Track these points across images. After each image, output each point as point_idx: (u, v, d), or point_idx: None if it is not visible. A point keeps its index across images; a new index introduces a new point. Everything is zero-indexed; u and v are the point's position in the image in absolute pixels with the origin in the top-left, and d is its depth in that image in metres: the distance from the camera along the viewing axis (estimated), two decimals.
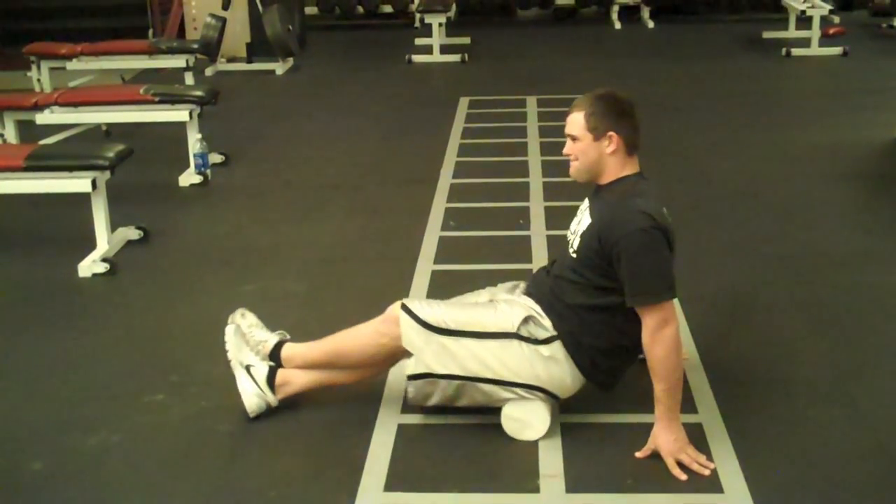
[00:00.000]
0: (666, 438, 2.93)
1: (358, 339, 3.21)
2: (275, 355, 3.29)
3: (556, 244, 4.53)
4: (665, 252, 2.97)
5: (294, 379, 3.27)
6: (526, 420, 3.09)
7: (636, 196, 3.02)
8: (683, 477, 2.88)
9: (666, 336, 2.91)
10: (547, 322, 3.09)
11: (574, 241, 3.10)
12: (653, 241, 2.94)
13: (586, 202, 3.19)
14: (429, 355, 3.05)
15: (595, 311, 3.05)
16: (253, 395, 3.22)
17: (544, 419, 3.09)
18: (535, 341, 3.06)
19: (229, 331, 3.32)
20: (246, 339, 3.32)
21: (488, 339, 3.06)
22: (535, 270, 3.48)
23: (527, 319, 3.07)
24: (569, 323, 3.07)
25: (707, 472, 2.89)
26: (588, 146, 3.07)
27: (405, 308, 3.10)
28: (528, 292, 3.25)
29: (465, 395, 3.10)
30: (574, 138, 3.10)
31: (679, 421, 2.96)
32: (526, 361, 3.05)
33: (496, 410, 3.11)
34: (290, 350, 3.29)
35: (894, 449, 3.05)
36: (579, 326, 3.06)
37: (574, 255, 3.08)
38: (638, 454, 2.96)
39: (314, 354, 3.27)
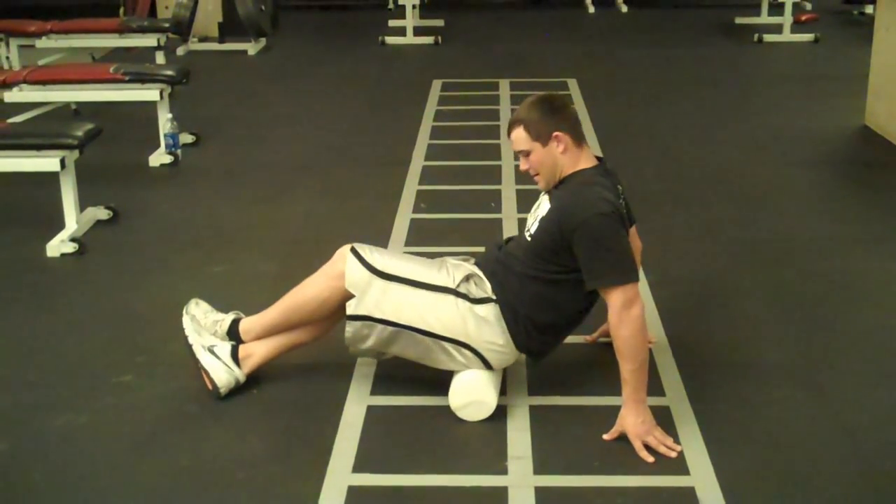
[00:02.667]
0: (633, 421, 2.95)
1: (310, 287, 3.27)
2: (233, 332, 3.33)
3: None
4: (626, 236, 3.05)
5: (256, 349, 3.30)
6: (474, 399, 3.11)
7: (595, 185, 3.07)
8: (650, 459, 2.90)
9: (632, 316, 2.93)
10: (486, 286, 3.16)
11: (532, 225, 3.15)
12: (614, 224, 2.99)
13: (545, 196, 3.22)
14: (369, 298, 3.11)
15: (538, 282, 3.09)
16: (221, 371, 3.23)
17: (489, 388, 3.11)
18: (471, 300, 3.11)
19: (186, 321, 3.34)
20: (202, 323, 3.36)
21: (427, 290, 3.12)
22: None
23: (467, 278, 3.16)
24: (509, 292, 3.12)
25: (674, 455, 2.92)
26: (541, 155, 3.12)
27: (353, 251, 3.17)
28: (476, 262, 3.31)
29: (398, 343, 3.14)
30: (525, 153, 3.14)
31: (646, 403, 2.98)
32: (458, 317, 3.09)
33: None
34: (247, 323, 3.35)
35: (858, 431, 3.08)
36: (518, 296, 3.10)
37: (529, 238, 3.13)
38: (605, 436, 2.98)
39: (270, 317, 3.32)
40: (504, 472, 2.88)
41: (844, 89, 7.37)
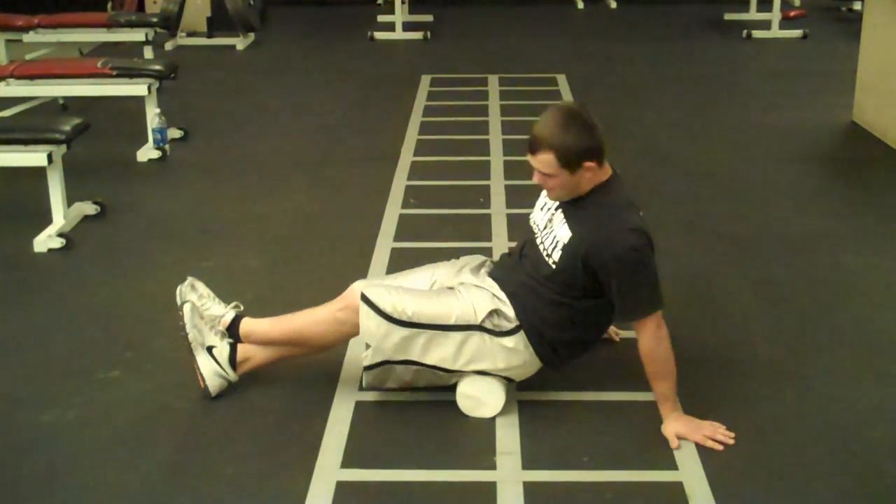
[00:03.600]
0: (687, 427, 2.98)
1: (317, 324, 3.16)
2: (233, 329, 3.24)
3: (517, 223, 4.56)
4: (654, 261, 2.99)
5: (254, 354, 3.24)
6: (481, 398, 3.10)
7: (620, 208, 3.01)
8: (720, 448, 2.93)
9: (664, 335, 2.97)
10: (510, 311, 3.07)
11: (553, 251, 3.04)
12: (645, 257, 2.95)
13: (556, 206, 3.13)
14: (388, 346, 3.02)
15: (565, 307, 3.05)
16: (215, 376, 3.20)
17: (499, 397, 3.10)
18: (498, 333, 3.04)
19: (187, 310, 3.24)
20: (202, 314, 3.25)
21: (451, 331, 3.03)
22: (499, 254, 3.45)
23: (491, 313, 3.04)
24: (534, 315, 3.05)
25: (731, 442, 2.95)
26: (566, 180, 2.99)
27: (365, 299, 3.04)
28: (494, 276, 3.21)
29: (422, 379, 3.10)
30: (549, 175, 2.99)
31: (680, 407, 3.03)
32: (487, 352, 3.05)
33: (453, 387, 3.12)
34: (249, 326, 3.24)
35: (844, 426, 3.09)
36: (546, 321, 3.06)
37: (553, 266, 3.03)
38: (673, 447, 2.94)
39: (273, 334, 3.23)
40: (493, 467, 2.88)
41: (832, 86, 7.38)
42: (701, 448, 2.93)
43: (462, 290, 3.13)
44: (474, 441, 3.01)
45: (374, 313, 3.02)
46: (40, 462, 2.95)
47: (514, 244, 4.05)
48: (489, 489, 2.78)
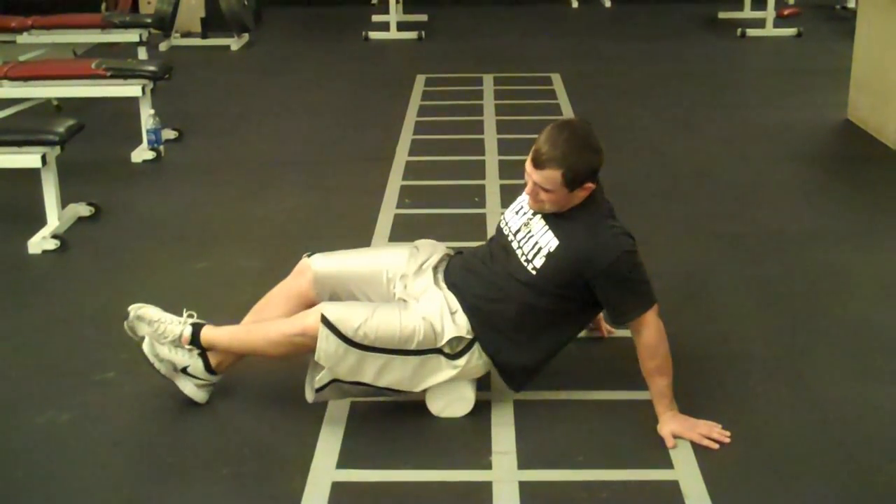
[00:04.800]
0: (682, 426, 2.99)
1: (274, 346, 3.06)
2: (195, 339, 3.15)
3: None
4: (642, 260, 3.03)
5: (225, 355, 3.18)
6: (451, 399, 3.11)
7: (604, 216, 3.05)
8: (716, 447, 2.93)
9: (663, 330, 3.00)
10: (465, 323, 3.05)
11: (534, 257, 3.03)
12: (636, 257, 3.00)
13: (533, 211, 3.12)
14: (342, 368, 2.97)
15: (537, 312, 3.05)
16: (199, 390, 3.18)
17: (463, 385, 3.11)
18: (455, 356, 3.04)
19: (146, 347, 3.12)
20: (161, 341, 3.14)
21: (410, 355, 3.01)
22: (455, 251, 3.42)
23: (451, 340, 3.02)
24: (500, 323, 3.05)
25: (727, 441, 2.95)
26: (562, 197, 2.99)
27: (326, 321, 2.95)
28: (452, 282, 3.17)
29: (368, 394, 3.10)
30: (546, 190, 2.98)
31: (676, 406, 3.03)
32: (443, 372, 3.05)
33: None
34: (209, 338, 3.14)
35: (841, 423, 3.10)
36: (513, 327, 3.05)
37: (534, 273, 3.02)
38: (669, 446, 2.94)
39: (233, 349, 3.16)
40: (488, 466, 2.88)
41: (827, 84, 7.38)
42: (696, 447, 2.93)
43: (421, 306, 3.07)
44: (470, 441, 3.01)
45: (333, 336, 2.94)
46: (35, 464, 2.94)
47: None
48: (485, 489, 2.78)
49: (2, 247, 4.59)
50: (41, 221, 4.65)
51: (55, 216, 4.66)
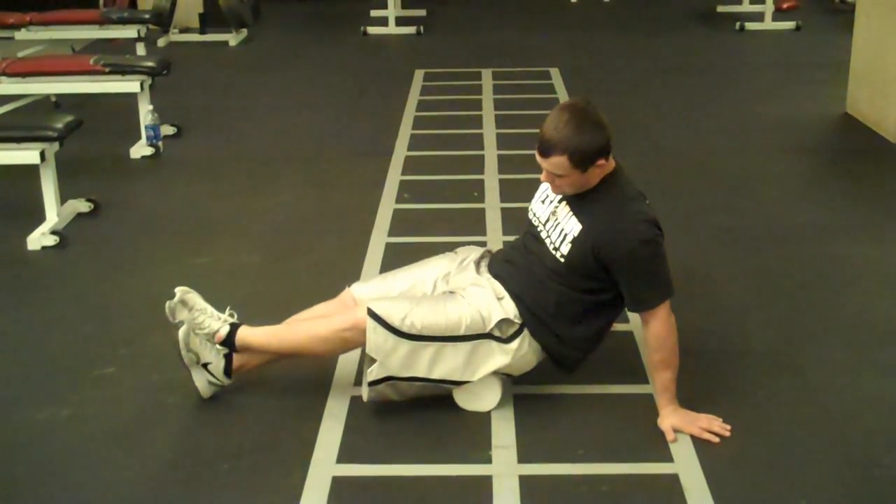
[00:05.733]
0: (683, 420, 2.98)
1: (322, 342, 3.06)
2: (229, 340, 3.13)
3: (511, 217, 4.56)
4: (664, 250, 2.98)
5: (249, 361, 3.18)
6: (478, 392, 3.09)
7: (629, 199, 3.00)
8: (717, 440, 2.93)
9: (673, 324, 2.98)
10: (513, 310, 3.05)
11: (561, 244, 3.01)
12: (658, 247, 2.95)
13: (559, 198, 3.10)
14: (394, 361, 2.97)
15: (577, 303, 3.04)
16: (209, 385, 3.17)
17: (496, 392, 3.10)
18: (506, 339, 3.03)
19: (181, 335, 3.10)
20: (196, 332, 3.12)
21: (460, 342, 3.00)
22: (496, 248, 3.40)
23: (500, 322, 3.02)
24: (542, 312, 3.04)
25: (728, 434, 2.95)
26: (576, 178, 2.96)
27: (372, 314, 2.95)
28: (495, 273, 3.18)
29: (426, 391, 3.08)
30: (559, 176, 2.95)
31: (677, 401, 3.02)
32: (495, 358, 3.03)
33: None
34: (246, 338, 3.13)
35: (840, 416, 3.10)
36: (553, 317, 3.04)
37: (562, 260, 3.01)
38: (669, 439, 2.94)
39: (272, 347, 3.15)
40: (488, 461, 2.88)
41: (826, 77, 7.38)
42: (696, 440, 2.94)
43: (466, 294, 3.08)
44: (470, 435, 3.01)
45: (381, 328, 2.95)
46: (35, 460, 2.94)
47: (508, 238, 4.06)
48: (485, 483, 2.78)
49: (1, 243, 4.58)
50: (40, 218, 4.65)
51: (54, 212, 4.66)
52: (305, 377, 3.32)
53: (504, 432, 3.00)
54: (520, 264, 3.14)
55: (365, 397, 3.05)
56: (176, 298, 3.14)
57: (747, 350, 3.52)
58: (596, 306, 3.06)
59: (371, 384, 3.00)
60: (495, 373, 3.08)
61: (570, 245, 2.99)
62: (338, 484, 2.79)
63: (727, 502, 2.69)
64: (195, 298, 3.16)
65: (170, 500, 2.77)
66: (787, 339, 3.60)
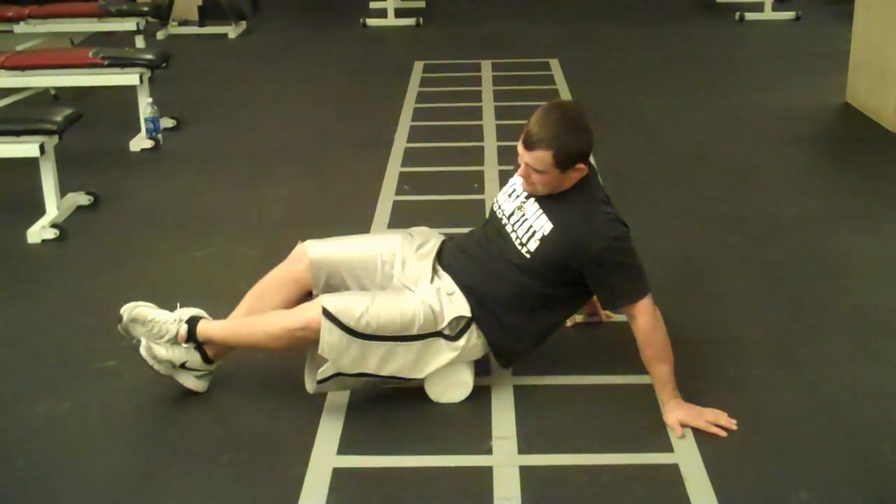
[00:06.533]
0: (689, 414, 2.98)
1: (274, 340, 3.04)
2: (191, 334, 3.12)
3: None
4: (634, 247, 3.03)
5: (222, 346, 3.17)
6: (450, 383, 3.11)
7: (598, 202, 3.05)
8: (724, 434, 2.92)
9: (659, 317, 2.99)
10: (463, 304, 3.05)
11: (528, 240, 3.04)
12: (629, 243, 3.00)
13: (527, 194, 3.12)
14: (346, 359, 2.96)
15: (536, 296, 3.06)
16: (200, 381, 3.18)
17: (461, 368, 3.11)
18: (455, 336, 3.04)
19: (143, 350, 3.08)
20: (157, 341, 3.11)
21: (411, 341, 3.01)
22: (447, 240, 3.41)
23: (451, 320, 3.03)
24: (495, 305, 3.06)
25: (734, 427, 2.95)
26: (554, 177, 3.00)
27: (328, 314, 2.93)
28: (448, 264, 3.18)
29: (370, 385, 3.09)
30: (538, 172, 2.99)
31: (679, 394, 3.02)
32: (443, 355, 3.05)
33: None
34: (206, 333, 3.13)
35: (838, 406, 3.10)
36: (506, 309, 3.06)
37: (528, 256, 3.03)
38: (676, 435, 2.93)
39: (230, 342, 3.15)
40: (489, 451, 2.88)
41: (825, 67, 7.37)
42: (696, 430, 2.94)
43: (417, 291, 3.08)
44: (470, 426, 3.02)
45: (336, 328, 2.93)
46: (36, 453, 2.95)
47: None
48: (485, 474, 2.78)
49: (1, 236, 4.58)
50: (40, 211, 4.65)
51: (54, 205, 4.66)
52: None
53: (504, 423, 3.01)
54: (476, 255, 3.16)
55: (310, 390, 3.04)
56: (125, 319, 3.14)
57: (746, 340, 3.52)
58: (551, 301, 3.09)
59: (320, 381, 2.99)
60: (461, 363, 3.09)
61: (538, 242, 3.02)
62: (338, 475, 2.79)
63: (727, 492, 2.69)
64: (143, 311, 3.15)
65: (171, 492, 2.77)
66: (787, 329, 3.60)
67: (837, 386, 3.22)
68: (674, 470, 2.78)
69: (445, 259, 3.22)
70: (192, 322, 3.15)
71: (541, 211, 3.06)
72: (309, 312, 2.99)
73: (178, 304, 3.22)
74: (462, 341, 3.05)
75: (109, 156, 5.78)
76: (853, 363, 3.36)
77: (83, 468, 2.89)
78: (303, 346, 3.06)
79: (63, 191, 4.79)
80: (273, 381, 3.28)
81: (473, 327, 3.06)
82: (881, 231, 4.48)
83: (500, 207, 3.21)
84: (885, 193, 4.97)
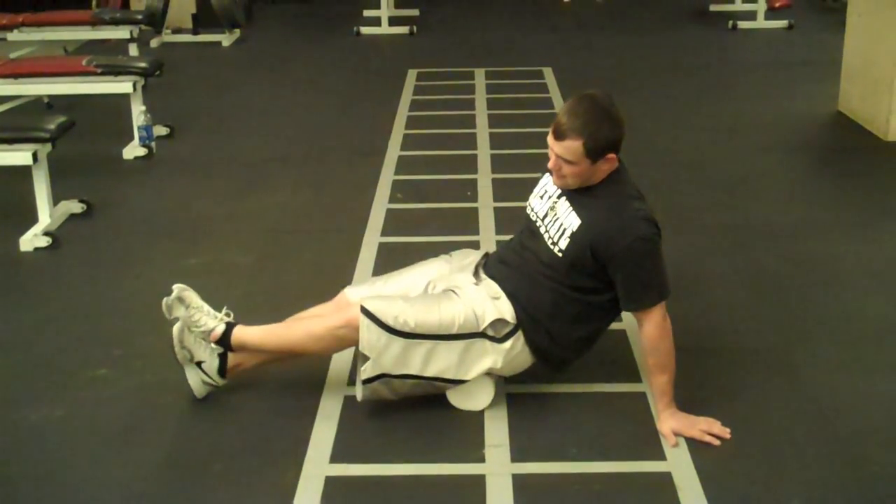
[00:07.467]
0: (682, 423, 2.97)
1: (316, 341, 3.07)
2: (224, 339, 3.14)
3: (504, 216, 4.56)
4: (661, 250, 2.98)
5: (245, 361, 3.18)
6: (471, 391, 3.09)
7: (630, 198, 2.99)
8: (718, 443, 2.91)
9: (668, 327, 2.96)
10: (509, 311, 3.03)
11: (559, 239, 3.00)
12: (655, 247, 2.94)
13: (558, 193, 3.09)
14: (387, 359, 2.96)
15: (574, 302, 3.03)
16: (202, 385, 3.17)
17: (489, 391, 3.10)
18: (500, 339, 3.02)
19: (175, 331, 3.11)
20: (191, 329, 3.13)
21: (454, 340, 2.99)
22: (487, 248, 3.39)
23: (494, 322, 3.01)
24: (537, 312, 3.03)
25: (728, 436, 2.94)
26: (585, 169, 2.94)
27: (365, 311, 2.96)
28: (491, 273, 3.17)
29: (420, 390, 3.07)
30: (569, 162, 2.93)
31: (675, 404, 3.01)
32: (488, 358, 3.03)
33: None
34: (241, 337, 3.13)
35: (833, 414, 3.11)
36: (549, 317, 3.03)
37: (560, 255, 3.00)
38: (671, 445, 2.92)
39: (267, 346, 3.15)
40: (482, 460, 2.88)
41: (818, 75, 7.40)
42: (689, 439, 2.94)
43: (461, 293, 3.08)
44: (463, 434, 3.01)
45: (374, 325, 2.94)
46: (29, 461, 2.94)
47: (502, 238, 4.07)
48: (478, 482, 2.78)
49: None
50: (33, 219, 4.64)
51: (47, 213, 4.66)
52: (299, 377, 3.32)
53: (497, 432, 3.01)
54: (514, 263, 3.14)
55: (359, 396, 3.04)
56: (173, 295, 3.15)
57: (740, 348, 3.53)
58: (591, 308, 3.05)
59: (365, 382, 2.99)
60: (489, 373, 3.08)
61: (568, 240, 2.98)
62: (331, 483, 2.78)
63: (720, 500, 2.69)
64: (192, 296, 3.17)
65: (163, 500, 2.77)
66: (780, 337, 3.60)
67: (831, 393, 3.23)
68: (666, 478, 2.78)
69: (490, 270, 3.19)
70: (230, 327, 3.14)
71: (571, 208, 3.02)
72: (349, 311, 3.03)
73: (224, 308, 3.22)
74: (507, 344, 3.02)
75: (102, 164, 5.77)
76: (847, 370, 3.37)
77: (76, 476, 2.88)
78: (344, 347, 3.08)
79: (56, 199, 4.78)
80: (266, 389, 3.28)
81: (519, 334, 3.03)
82: (874, 239, 4.49)
83: (532, 210, 3.18)
84: (877, 201, 4.98)
